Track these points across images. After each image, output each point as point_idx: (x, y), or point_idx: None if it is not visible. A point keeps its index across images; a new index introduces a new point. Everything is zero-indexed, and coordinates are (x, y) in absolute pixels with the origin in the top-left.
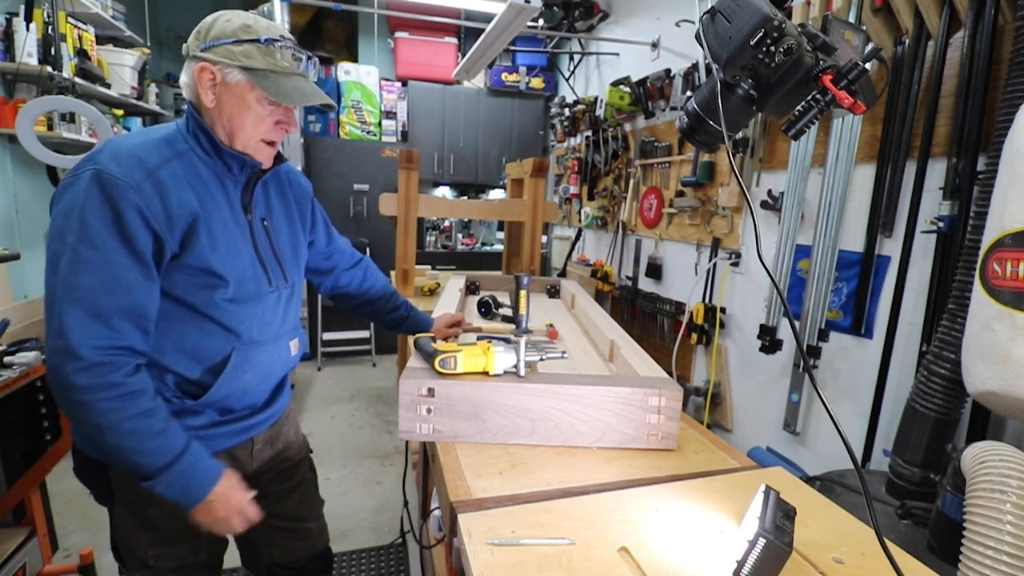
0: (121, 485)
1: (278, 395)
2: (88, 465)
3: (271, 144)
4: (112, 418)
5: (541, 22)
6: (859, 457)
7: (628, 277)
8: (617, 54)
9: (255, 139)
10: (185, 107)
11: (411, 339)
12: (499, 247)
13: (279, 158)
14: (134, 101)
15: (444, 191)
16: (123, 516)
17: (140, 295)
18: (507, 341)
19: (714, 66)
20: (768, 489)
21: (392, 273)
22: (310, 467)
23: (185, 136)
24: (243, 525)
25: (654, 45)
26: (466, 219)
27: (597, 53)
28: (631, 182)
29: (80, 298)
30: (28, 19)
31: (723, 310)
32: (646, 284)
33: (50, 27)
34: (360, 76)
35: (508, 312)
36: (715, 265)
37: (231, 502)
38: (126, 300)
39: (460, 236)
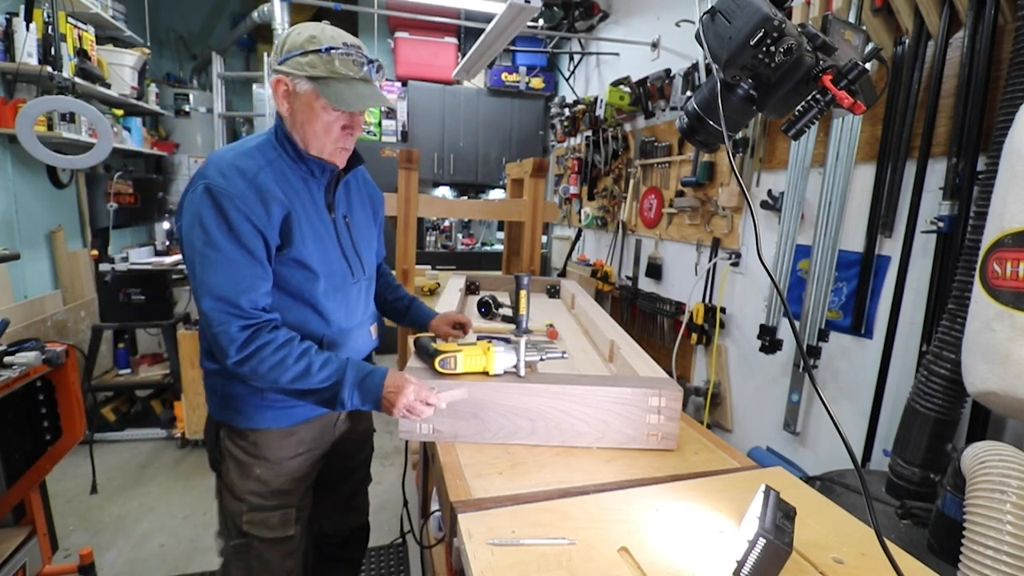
0: (232, 443)
1: None
2: (211, 426)
3: (344, 149)
4: (281, 367)
5: (541, 22)
6: (859, 457)
7: (628, 277)
8: (617, 54)
9: (328, 145)
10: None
11: (411, 339)
12: (499, 247)
13: (358, 159)
14: (134, 101)
15: (444, 191)
16: (231, 477)
17: (259, 284)
18: (507, 341)
19: (714, 66)
20: (768, 489)
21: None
22: (372, 443)
23: (274, 144)
24: (428, 410)
25: (654, 45)
26: (466, 219)
27: (597, 53)
28: (631, 182)
29: (216, 294)
30: (28, 19)
31: (723, 310)
32: (646, 284)
33: (50, 27)
34: None
35: (508, 312)
36: (715, 265)
37: (405, 400)
38: (251, 292)
39: (460, 236)
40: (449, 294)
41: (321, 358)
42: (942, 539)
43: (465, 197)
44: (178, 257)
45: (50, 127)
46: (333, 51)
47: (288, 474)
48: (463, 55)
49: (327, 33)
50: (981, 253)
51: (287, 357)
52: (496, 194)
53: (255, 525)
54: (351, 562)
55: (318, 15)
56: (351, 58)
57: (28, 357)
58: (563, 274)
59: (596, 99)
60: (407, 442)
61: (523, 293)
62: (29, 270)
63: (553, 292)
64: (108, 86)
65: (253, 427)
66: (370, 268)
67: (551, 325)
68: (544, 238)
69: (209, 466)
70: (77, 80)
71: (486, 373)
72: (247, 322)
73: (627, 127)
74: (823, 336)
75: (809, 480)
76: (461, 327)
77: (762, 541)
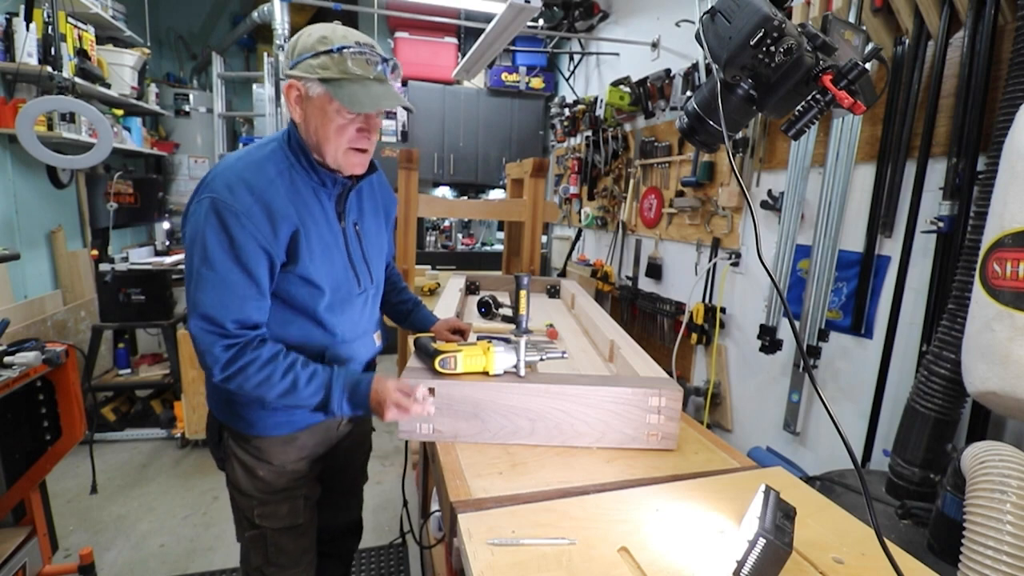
0: (236, 445)
1: None
2: (213, 426)
3: (361, 151)
4: (267, 384)
5: (541, 22)
6: (859, 457)
7: (628, 277)
8: (617, 54)
9: (342, 148)
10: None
11: (411, 339)
12: (499, 247)
13: (371, 167)
14: (134, 101)
15: (444, 191)
16: (236, 477)
17: (249, 308)
18: (507, 341)
19: (714, 66)
20: (768, 489)
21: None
22: (370, 442)
23: (287, 153)
24: (416, 407)
25: (654, 45)
26: (466, 219)
27: (597, 53)
28: (631, 182)
29: (204, 313)
30: (28, 19)
31: (723, 310)
32: (646, 284)
33: (50, 27)
34: None
35: (508, 312)
36: (715, 265)
37: (390, 398)
38: (238, 313)
39: (460, 236)
40: (449, 294)
41: (307, 372)
42: (942, 539)
43: (465, 197)
44: (178, 257)
45: (50, 127)
46: (345, 51)
47: (291, 474)
48: (463, 55)
49: (338, 33)
50: (981, 253)
51: (272, 375)
52: (496, 194)
53: (266, 517)
54: (343, 557)
55: (318, 15)
56: (364, 57)
57: (28, 357)
58: (563, 274)
59: (596, 99)
60: (407, 442)
61: (523, 293)
62: (29, 270)
63: (553, 292)
64: (108, 86)
65: (255, 434)
66: (378, 276)
67: (551, 325)
68: (544, 238)
69: (216, 465)
70: (77, 80)
71: (486, 373)
72: (231, 341)
73: (627, 127)
74: (823, 336)
75: (809, 480)
76: (461, 334)
77: (762, 541)
